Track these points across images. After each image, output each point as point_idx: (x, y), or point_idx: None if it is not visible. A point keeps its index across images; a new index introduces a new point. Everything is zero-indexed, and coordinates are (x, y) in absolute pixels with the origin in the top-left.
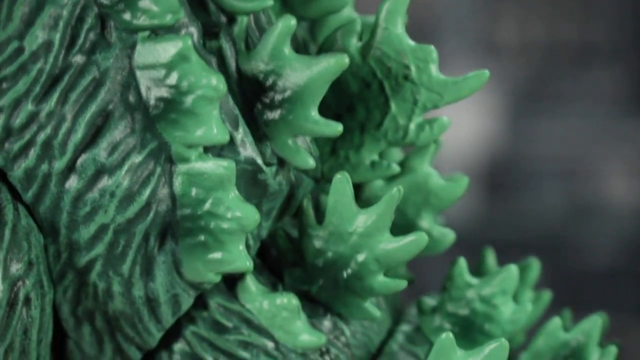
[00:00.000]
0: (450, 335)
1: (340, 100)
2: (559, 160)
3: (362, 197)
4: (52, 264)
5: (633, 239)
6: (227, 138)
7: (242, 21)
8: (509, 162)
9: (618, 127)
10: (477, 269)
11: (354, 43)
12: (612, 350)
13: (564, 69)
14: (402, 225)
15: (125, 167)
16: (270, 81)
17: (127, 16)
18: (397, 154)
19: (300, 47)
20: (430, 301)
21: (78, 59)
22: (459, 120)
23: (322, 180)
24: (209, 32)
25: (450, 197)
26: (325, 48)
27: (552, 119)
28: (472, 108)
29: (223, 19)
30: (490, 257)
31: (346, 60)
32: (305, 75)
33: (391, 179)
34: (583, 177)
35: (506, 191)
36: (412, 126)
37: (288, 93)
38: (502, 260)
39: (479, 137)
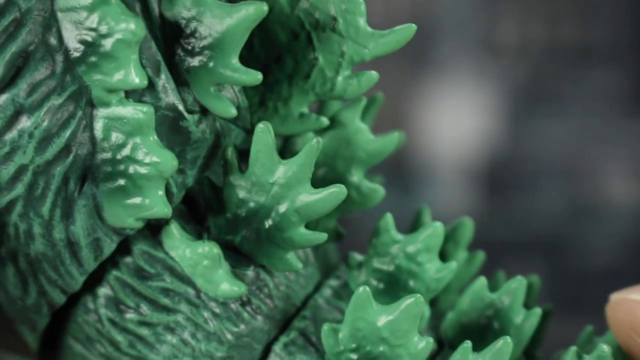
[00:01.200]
0: (367, 289)
1: (269, 51)
2: (559, 160)
3: (292, 149)
4: None
5: (633, 239)
6: (145, 82)
7: None
8: (509, 162)
9: (618, 127)
10: (412, 226)
11: None
12: (537, 312)
13: (564, 69)
14: (331, 180)
15: (45, 109)
16: (191, 27)
17: None
18: (334, 108)
19: None
20: (357, 257)
21: None
22: (459, 120)
23: (252, 132)
24: None
25: (380, 152)
26: None
27: (552, 119)
28: (472, 108)
29: None
30: (426, 215)
31: (265, 8)
32: (225, 22)
33: (321, 132)
34: (583, 177)
35: (506, 191)
36: (340, 79)
37: (208, 40)
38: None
39: (479, 137)
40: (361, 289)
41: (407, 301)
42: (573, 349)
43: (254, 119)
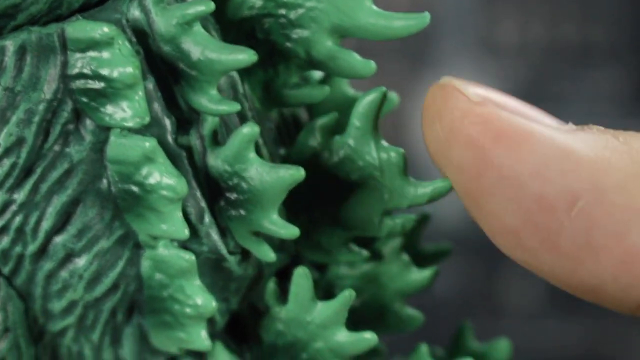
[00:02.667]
0: None
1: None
2: None
3: (328, 276)
4: (32, 325)
5: None
6: (187, 235)
7: (214, 119)
8: None
9: (618, 127)
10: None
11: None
12: None
13: (564, 69)
14: (375, 307)
15: (94, 252)
16: (233, 181)
17: (102, 115)
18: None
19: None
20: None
21: (51, 151)
22: None
23: (296, 256)
24: (182, 127)
25: (420, 286)
26: (298, 146)
27: None
28: None
29: (195, 115)
30: (469, 333)
31: (302, 173)
32: (265, 182)
33: (365, 264)
34: None
35: None
36: (387, 222)
37: (249, 195)
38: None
39: None
40: None
41: None
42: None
43: (298, 248)
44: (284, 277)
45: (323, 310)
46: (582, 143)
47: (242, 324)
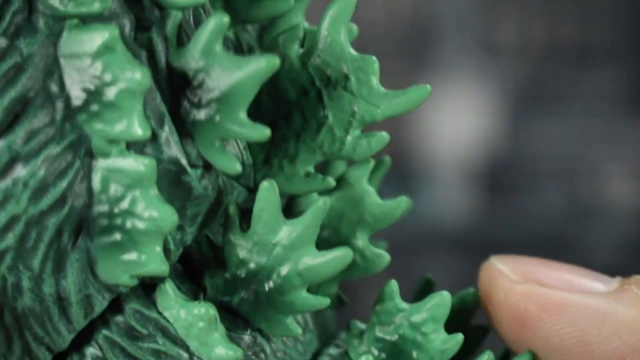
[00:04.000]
0: (370, 358)
1: (277, 107)
2: (559, 160)
3: (295, 210)
4: None
5: (633, 239)
6: (149, 134)
7: (176, 16)
8: (509, 162)
9: (618, 127)
10: (416, 293)
11: (295, 49)
12: None
13: (564, 69)
14: (335, 243)
15: (42, 157)
16: (199, 79)
17: (55, 2)
18: (340, 168)
19: (246, 53)
20: (359, 325)
21: (1, 42)
22: (459, 120)
23: (255, 190)
24: (142, 26)
25: (387, 216)
26: (267, 52)
27: (552, 118)
28: (472, 108)
29: (157, 13)
30: (432, 284)
31: (277, 61)
32: (235, 75)
33: (327, 192)
34: (583, 177)
35: (506, 191)
36: (349, 139)
37: (216, 93)
38: None
39: (479, 137)
40: (363, 358)
41: None
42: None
43: (257, 176)
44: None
45: (292, 228)
46: (620, 305)
47: (196, 265)
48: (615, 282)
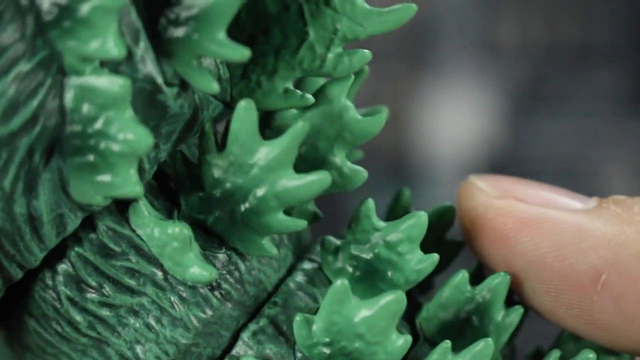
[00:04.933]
0: (346, 282)
1: (256, 21)
2: (559, 160)
3: (273, 125)
4: None
5: None
6: (124, 53)
7: None
8: (509, 162)
9: (618, 127)
10: (390, 209)
11: None
12: (519, 310)
13: (564, 69)
14: (312, 159)
15: (12, 75)
16: None
17: None
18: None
19: None
20: (334, 241)
21: None
22: (459, 120)
23: (231, 105)
24: None
25: (366, 132)
26: None
27: (552, 118)
28: (472, 108)
29: None
30: (405, 198)
31: None
32: None
33: (305, 109)
34: (583, 177)
35: None
36: (331, 56)
37: (195, 10)
38: None
39: (479, 137)
40: (339, 282)
41: (387, 298)
42: (556, 353)
43: (234, 91)
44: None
45: (269, 149)
46: (599, 220)
47: (170, 180)
48: (593, 201)
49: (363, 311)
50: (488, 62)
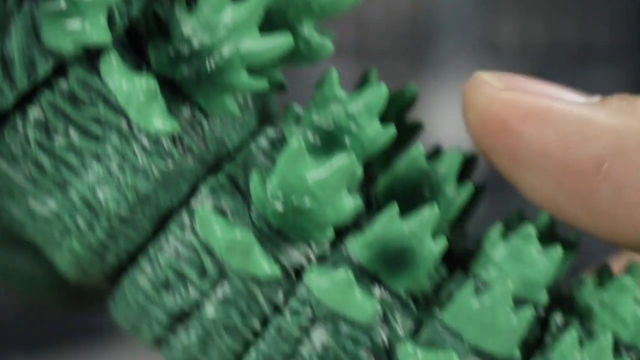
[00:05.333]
0: (302, 141)
1: None
2: None
3: None
4: None
5: None
6: None
7: None
8: None
9: None
10: (357, 86)
11: None
12: (469, 186)
13: (564, 69)
14: (280, 28)
15: None
16: None
17: None
18: None
19: None
20: (297, 109)
21: None
22: (458, 120)
23: None
24: None
25: (334, 7)
26: None
27: None
28: None
29: None
30: (373, 76)
31: None
32: None
33: None
34: None
35: (506, 191)
36: None
37: None
38: None
39: None
40: (295, 140)
41: (341, 159)
42: (498, 226)
43: None
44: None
45: (236, 10)
46: (602, 112)
47: (142, 39)
48: (596, 98)
49: (317, 171)
50: (488, 62)
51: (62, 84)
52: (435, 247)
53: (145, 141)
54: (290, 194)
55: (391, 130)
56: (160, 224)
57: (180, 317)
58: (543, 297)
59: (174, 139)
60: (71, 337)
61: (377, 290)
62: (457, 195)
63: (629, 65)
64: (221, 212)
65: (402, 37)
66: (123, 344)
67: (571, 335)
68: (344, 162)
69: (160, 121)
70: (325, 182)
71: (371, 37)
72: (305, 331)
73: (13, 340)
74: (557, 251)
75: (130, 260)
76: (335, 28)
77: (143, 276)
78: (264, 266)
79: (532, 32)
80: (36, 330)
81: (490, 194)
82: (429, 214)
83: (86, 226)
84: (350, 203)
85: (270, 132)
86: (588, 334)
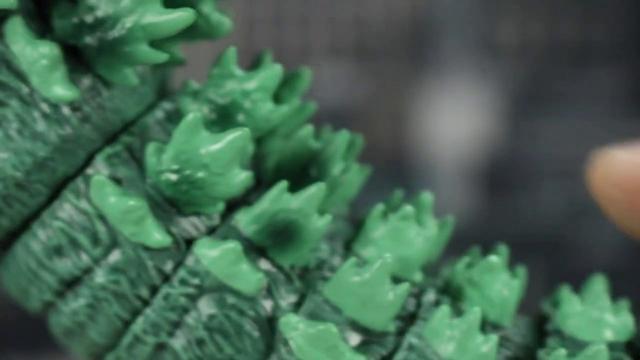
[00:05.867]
0: (198, 115)
1: None
2: (559, 160)
3: None
4: None
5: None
6: None
7: None
8: (509, 162)
9: (618, 127)
10: (252, 65)
11: None
12: (354, 167)
13: (564, 69)
14: (181, 4)
15: None
16: None
17: None
18: None
19: None
20: (194, 85)
21: None
22: (459, 120)
23: None
24: None
25: None
26: None
27: (552, 119)
28: (472, 108)
29: None
30: (267, 57)
31: None
32: None
33: None
34: (583, 177)
35: (506, 191)
36: None
37: None
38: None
39: (479, 137)
40: (191, 114)
41: (234, 133)
42: (379, 206)
43: None
44: None
45: None
46: None
47: (47, 6)
48: None
49: (211, 144)
50: (488, 62)
51: None
52: (320, 223)
53: (45, 107)
54: (184, 165)
55: (283, 109)
56: (56, 191)
57: (70, 283)
58: (418, 276)
59: (73, 107)
60: None
61: (264, 264)
62: (343, 176)
63: (629, 65)
64: (116, 181)
65: (402, 37)
66: None
67: (442, 312)
68: (238, 137)
69: (60, 88)
70: (219, 155)
71: (371, 37)
72: (192, 300)
73: (13, 340)
74: (432, 230)
75: (23, 225)
76: (335, 28)
77: (36, 241)
78: (156, 235)
79: (532, 32)
80: (36, 330)
81: (490, 194)
82: (316, 191)
83: None
84: (241, 177)
85: (167, 105)
86: (458, 312)
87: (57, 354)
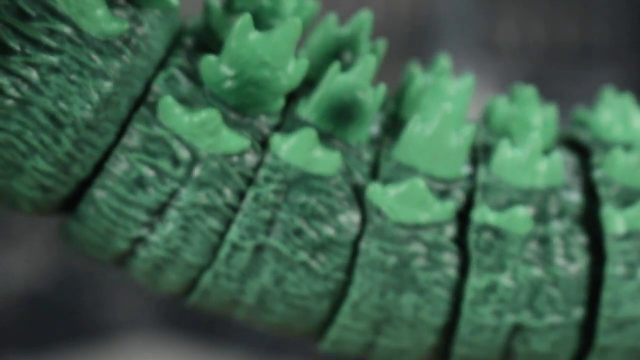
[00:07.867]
0: (249, 16)
1: None
2: None
3: None
4: None
5: None
6: None
7: None
8: None
9: None
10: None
11: None
12: (382, 44)
13: (564, 69)
14: None
15: None
16: None
17: None
18: None
19: None
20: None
21: None
22: None
23: None
24: None
25: None
26: None
27: None
28: (472, 108)
29: None
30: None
31: None
32: None
33: None
34: None
35: None
36: None
37: None
38: None
39: None
40: (242, 17)
41: (286, 25)
42: (414, 66)
43: None
44: None
45: None
46: None
47: None
48: None
49: (265, 40)
50: (488, 62)
51: (6, 1)
52: (377, 94)
53: (97, 44)
54: (242, 67)
55: (311, 3)
56: (122, 128)
57: (158, 211)
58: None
59: (123, 39)
60: (71, 337)
61: (334, 145)
62: (373, 50)
63: (629, 65)
64: (180, 101)
65: (402, 37)
66: (123, 344)
67: (504, 146)
68: (290, 28)
69: (109, 23)
70: (276, 49)
71: (371, 37)
72: (281, 195)
73: (13, 340)
74: (468, 81)
75: (94, 171)
76: None
77: (113, 180)
78: (234, 141)
79: (532, 32)
80: (36, 330)
81: None
82: (367, 64)
83: (51, 140)
84: (299, 66)
85: (193, 28)
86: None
87: (58, 354)
